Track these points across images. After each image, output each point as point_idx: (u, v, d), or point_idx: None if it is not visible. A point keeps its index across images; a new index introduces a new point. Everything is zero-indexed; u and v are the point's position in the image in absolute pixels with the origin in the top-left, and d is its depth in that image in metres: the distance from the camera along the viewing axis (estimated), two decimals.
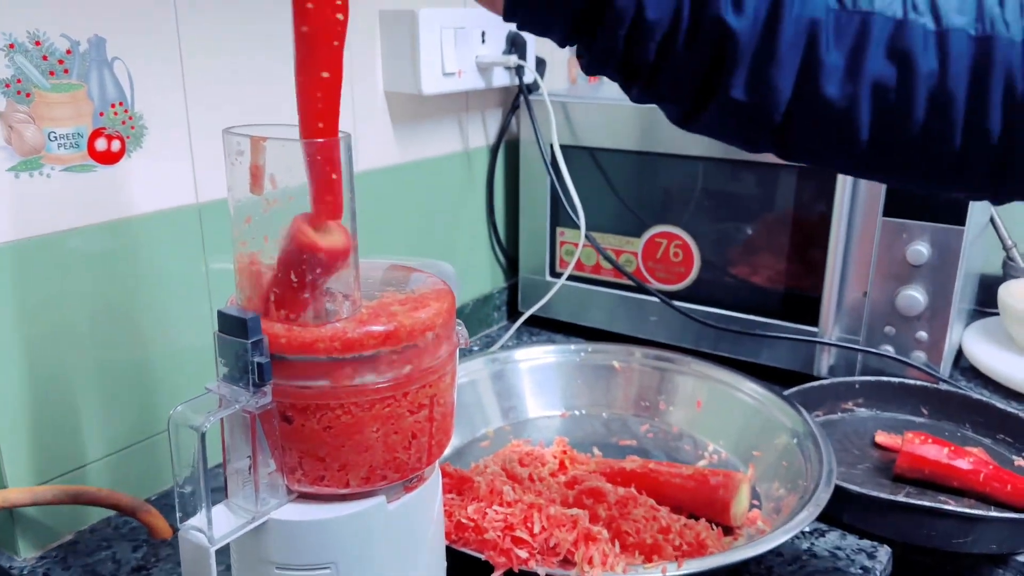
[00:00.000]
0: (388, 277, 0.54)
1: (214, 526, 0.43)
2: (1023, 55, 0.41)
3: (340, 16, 0.44)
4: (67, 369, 0.67)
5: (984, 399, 0.86)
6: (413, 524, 0.51)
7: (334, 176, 0.44)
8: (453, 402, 0.53)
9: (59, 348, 0.66)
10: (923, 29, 0.42)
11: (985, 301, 1.12)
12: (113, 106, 0.66)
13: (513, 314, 1.17)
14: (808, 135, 0.45)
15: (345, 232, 0.45)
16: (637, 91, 0.46)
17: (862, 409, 0.90)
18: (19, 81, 0.60)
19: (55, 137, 0.63)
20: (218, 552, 0.43)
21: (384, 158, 0.94)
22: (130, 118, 0.68)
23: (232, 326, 0.43)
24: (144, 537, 0.70)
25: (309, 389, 0.44)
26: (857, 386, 0.90)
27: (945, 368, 0.90)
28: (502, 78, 1.01)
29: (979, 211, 0.95)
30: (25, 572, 0.66)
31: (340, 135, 0.45)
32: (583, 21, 0.44)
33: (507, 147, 1.12)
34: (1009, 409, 0.84)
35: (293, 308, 0.45)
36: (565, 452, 0.79)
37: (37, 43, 0.61)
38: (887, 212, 0.87)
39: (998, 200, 0.47)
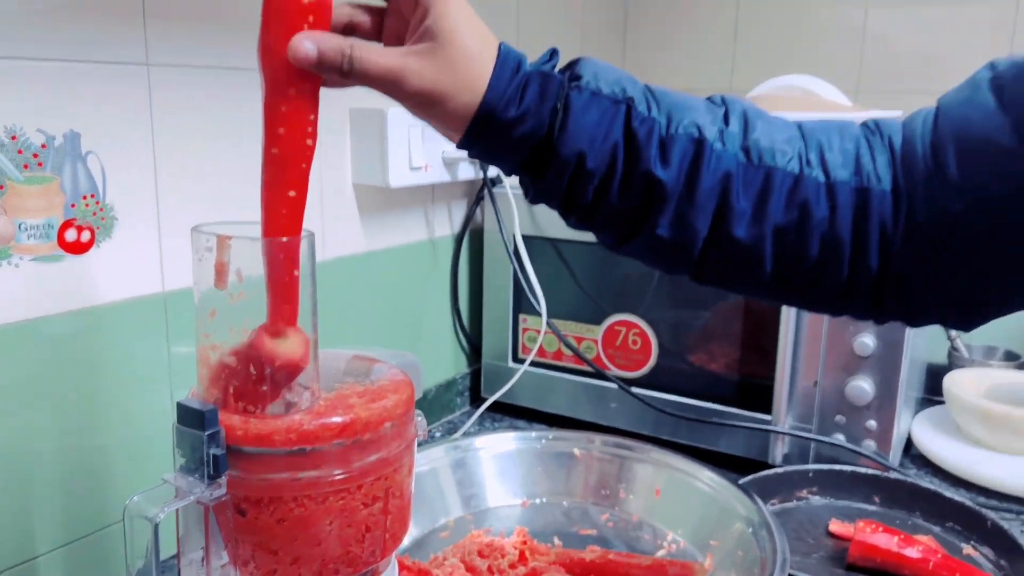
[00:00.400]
0: (350, 367, 0.56)
1: None
2: (892, 203, 0.48)
3: (309, 142, 0.47)
4: (26, 456, 0.66)
5: (933, 488, 0.88)
6: None
7: (288, 279, 0.46)
8: (410, 494, 0.54)
9: (19, 434, 0.66)
10: (816, 182, 0.48)
11: (933, 389, 1.16)
12: (85, 198, 0.68)
13: (476, 400, 1.18)
14: (720, 267, 0.51)
15: (303, 339, 0.47)
16: (574, 221, 0.51)
17: (816, 497, 0.91)
18: None
19: (25, 228, 0.64)
20: None
21: (351, 247, 0.96)
22: (101, 209, 0.69)
23: (190, 418, 0.44)
24: None
25: (264, 481, 0.45)
26: (811, 474, 0.91)
27: (895, 456, 0.93)
28: (467, 171, 1.05)
29: None
30: None
31: (303, 234, 0.47)
32: (530, 164, 0.49)
33: (471, 236, 1.15)
34: (957, 498, 0.86)
35: (251, 401, 0.46)
36: (525, 543, 0.79)
37: (13, 137, 0.63)
38: None
39: (879, 321, 0.53)
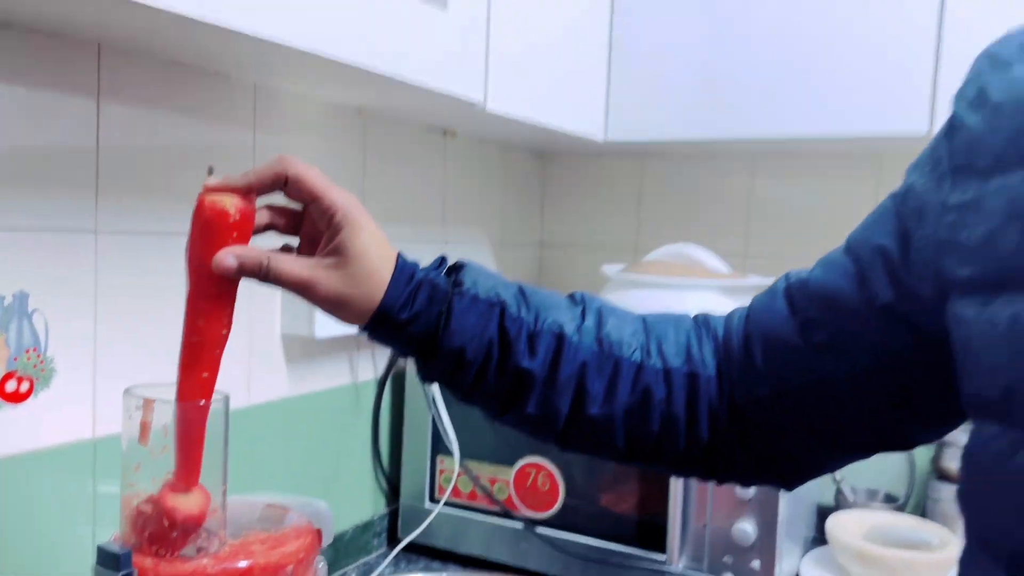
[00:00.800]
0: (264, 515, 0.62)
1: None
2: (716, 386, 0.59)
3: (224, 331, 0.56)
4: None
5: None
6: None
7: (193, 441, 0.54)
8: None
9: None
10: (654, 368, 0.58)
11: (821, 529, 1.24)
12: (27, 351, 0.75)
13: (393, 541, 1.22)
14: (580, 439, 0.60)
15: (204, 497, 0.54)
16: (459, 398, 0.61)
17: None
18: None
19: None
20: None
21: (276, 392, 1.03)
22: (41, 361, 0.76)
23: (107, 559, 0.50)
24: None
25: None
26: None
27: None
28: None
29: None
30: None
31: (217, 398, 0.55)
32: (420, 353, 0.58)
33: (394, 379, 1.23)
34: None
35: (164, 545, 0.52)
36: None
37: None
38: None
39: (718, 482, 0.63)
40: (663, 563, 1.02)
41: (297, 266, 0.55)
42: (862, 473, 1.30)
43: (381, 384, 1.21)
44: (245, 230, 0.55)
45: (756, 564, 0.98)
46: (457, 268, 0.60)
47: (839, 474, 1.26)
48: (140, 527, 0.53)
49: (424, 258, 0.61)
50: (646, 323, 0.61)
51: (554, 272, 1.61)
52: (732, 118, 1.18)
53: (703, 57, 1.18)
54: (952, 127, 0.48)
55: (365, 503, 1.20)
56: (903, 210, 0.51)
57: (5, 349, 0.73)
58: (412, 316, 0.56)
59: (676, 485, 0.99)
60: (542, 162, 1.60)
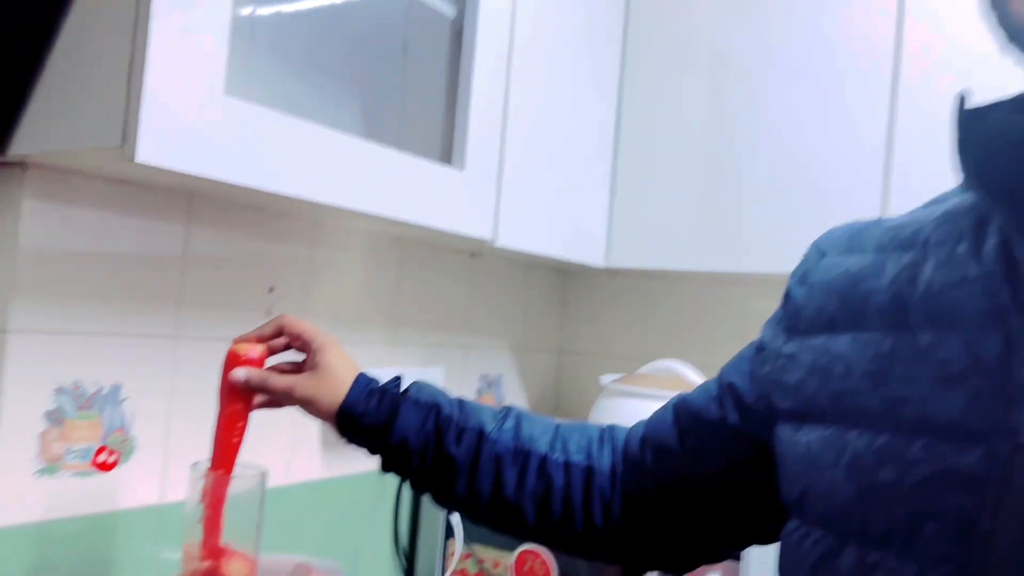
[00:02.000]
0: (292, 571, 0.80)
1: None
2: (609, 480, 0.74)
3: (236, 440, 0.77)
4: None
5: None
6: None
7: (215, 512, 0.73)
8: None
9: None
10: (557, 461, 0.74)
11: None
12: (116, 431, 0.95)
13: None
14: (501, 520, 0.76)
15: (252, 565, 0.73)
16: (410, 485, 0.78)
17: None
18: (57, 412, 0.89)
19: (71, 452, 0.91)
20: None
21: (312, 474, 1.22)
22: (126, 440, 0.96)
23: None
24: None
25: None
26: None
27: None
28: None
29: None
30: None
31: (256, 472, 0.74)
32: (377, 444, 0.76)
33: None
34: None
35: None
36: None
37: (76, 387, 0.91)
38: None
39: (624, 567, 0.79)
40: None
41: (283, 378, 0.77)
42: None
43: None
44: (256, 365, 0.78)
45: None
46: (411, 384, 0.78)
47: None
48: None
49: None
50: (558, 427, 0.77)
51: (571, 376, 1.78)
52: (728, 252, 1.35)
53: (701, 195, 1.37)
54: (787, 296, 0.65)
55: None
56: (755, 356, 0.67)
57: (100, 428, 0.94)
58: (364, 412, 0.75)
59: None
60: (562, 277, 1.80)
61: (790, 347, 0.61)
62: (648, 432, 0.75)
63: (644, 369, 1.36)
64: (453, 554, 1.33)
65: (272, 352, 0.80)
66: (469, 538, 1.30)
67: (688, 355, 1.45)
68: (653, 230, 1.42)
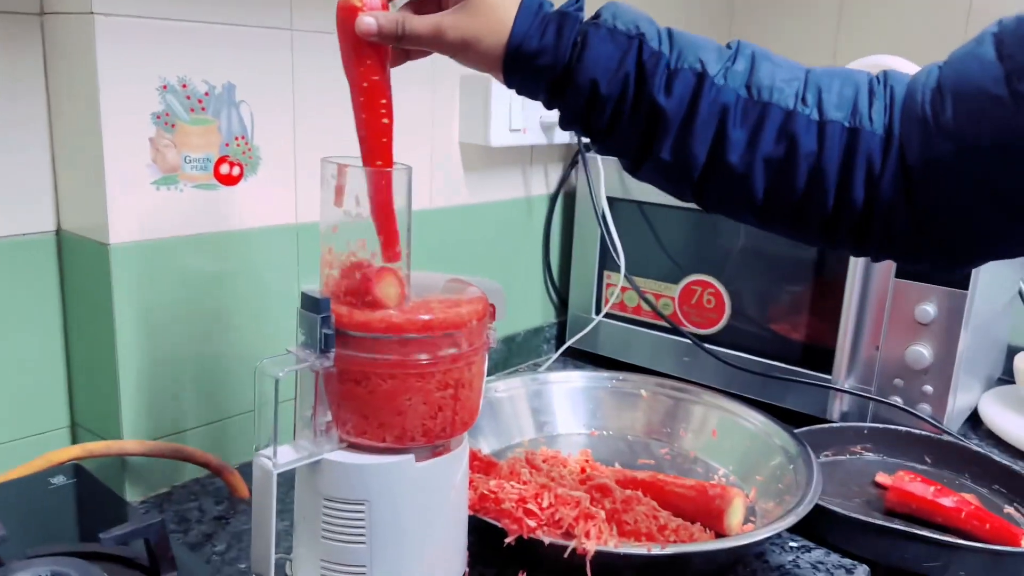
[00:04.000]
0: (447, 286, 0.68)
1: (279, 455, 0.56)
2: (881, 145, 0.54)
3: (386, 121, 0.59)
4: (178, 353, 0.82)
5: (982, 451, 0.92)
6: (437, 483, 0.63)
7: (386, 207, 0.59)
8: (479, 390, 0.65)
9: (175, 333, 0.81)
10: (807, 119, 0.55)
11: (1011, 371, 1.17)
12: (237, 139, 0.83)
13: (562, 347, 1.28)
14: (718, 192, 0.58)
15: (402, 287, 0.59)
16: (598, 147, 0.60)
17: (869, 454, 0.97)
18: (167, 115, 0.77)
19: (189, 160, 0.79)
20: (285, 483, 0.56)
21: (455, 198, 1.08)
22: (249, 149, 0.84)
23: (309, 304, 0.57)
24: (226, 495, 0.84)
25: (360, 359, 0.57)
26: (865, 431, 0.97)
27: (951, 421, 0.97)
28: (563, 136, 1.15)
29: (998, 281, 1.02)
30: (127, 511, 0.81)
31: (399, 167, 0.59)
32: (556, 90, 0.58)
33: (564, 197, 1.25)
34: (1004, 462, 0.90)
35: (356, 296, 0.59)
36: (588, 461, 0.89)
37: (184, 86, 0.78)
38: (899, 274, 0.95)
39: (873, 258, 0.59)
40: (829, 381, 1.01)
41: (428, 19, 0.57)
42: None
43: (552, 200, 1.24)
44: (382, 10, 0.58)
45: (928, 388, 0.96)
46: (602, 7, 0.58)
47: None
48: (339, 280, 0.60)
49: None
50: (809, 74, 0.57)
51: None
52: None
53: None
54: None
55: (536, 312, 1.27)
56: None
57: (218, 135, 0.81)
58: (541, 47, 0.56)
59: (850, 302, 0.97)
60: None
61: None
62: (947, 76, 0.53)
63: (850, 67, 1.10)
64: (609, 286, 1.21)
65: None
66: (628, 269, 1.17)
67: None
68: None
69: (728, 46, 0.58)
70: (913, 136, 0.53)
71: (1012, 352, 1.20)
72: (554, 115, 1.12)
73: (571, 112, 0.58)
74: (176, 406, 0.83)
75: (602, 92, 0.56)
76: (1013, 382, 1.15)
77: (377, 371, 0.58)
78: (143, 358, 0.79)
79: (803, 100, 0.55)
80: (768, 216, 0.58)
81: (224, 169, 0.82)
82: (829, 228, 0.57)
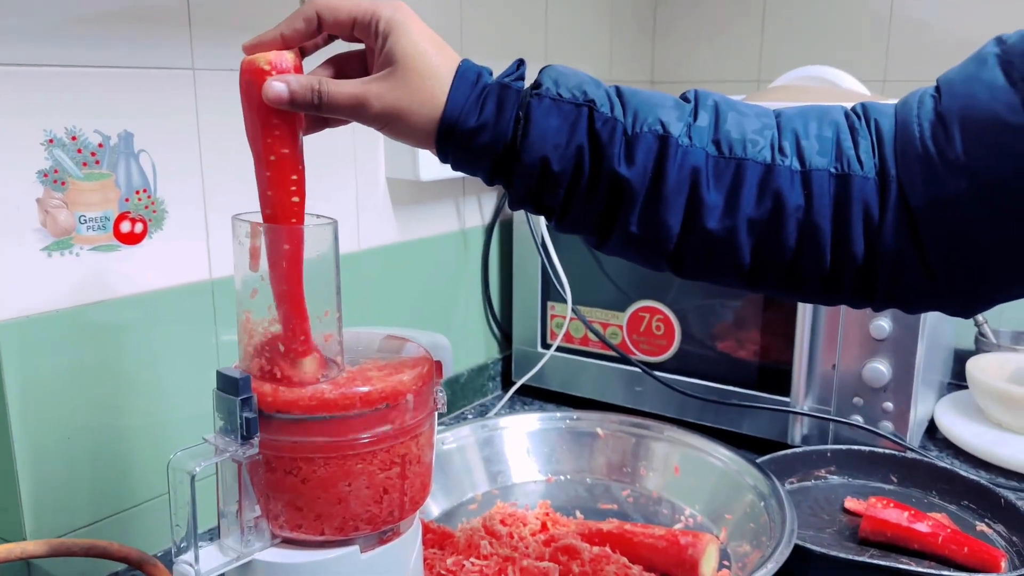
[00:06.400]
0: (383, 345, 0.61)
1: (202, 562, 0.48)
2: (876, 189, 0.48)
3: (296, 200, 0.52)
4: (84, 433, 0.73)
5: (949, 468, 0.90)
6: (387, 574, 0.56)
7: (293, 274, 0.52)
8: (430, 461, 0.58)
9: (78, 413, 0.72)
10: (789, 170, 0.49)
11: (960, 375, 1.17)
12: (138, 192, 0.74)
13: (508, 384, 1.22)
14: (699, 261, 0.52)
15: (320, 363, 0.52)
16: (554, 224, 0.54)
17: (834, 476, 0.94)
18: (56, 171, 0.69)
19: (85, 220, 0.71)
20: None
21: (384, 237, 1.02)
22: (152, 203, 0.76)
23: (226, 384, 0.49)
24: None
25: (289, 444, 0.50)
26: (829, 454, 0.94)
27: (912, 437, 0.94)
28: None
29: None
30: None
31: (326, 222, 0.53)
32: (500, 170, 0.52)
33: (501, 227, 1.19)
34: (972, 477, 0.88)
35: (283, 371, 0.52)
36: (548, 514, 0.83)
37: (73, 138, 0.70)
38: None
39: (876, 308, 0.53)
40: (786, 404, 0.98)
41: (350, 85, 0.50)
42: (1006, 313, 1.21)
43: (489, 231, 1.18)
44: (283, 71, 0.51)
45: (888, 405, 0.93)
46: (541, 72, 0.52)
47: (982, 315, 1.17)
48: (261, 356, 0.53)
49: None
50: (780, 118, 0.51)
51: None
52: None
53: None
54: None
55: (479, 348, 1.20)
56: None
57: (116, 190, 0.73)
58: (480, 124, 0.50)
59: (803, 322, 0.93)
60: None
61: None
62: (949, 105, 0.48)
63: (783, 80, 1.08)
64: (554, 318, 1.15)
65: (307, 54, 0.55)
66: (573, 299, 1.12)
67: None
68: None
69: (685, 98, 0.53)
70: (915, 175, 0.48)
71: (959, 356, 1.19)
72: None
73: (520, 193, 0.52)
74: (85, 496, 0.74)
75: (554, 170, 0.50)
76: (964, 387, 1.14)
77: (310, 456, 0.51)
78: (43, 446, 0.70)
79: (780, 150, 0.50)
80: (758, 279, 0.52)
81: (125, 227, 0.74)
82: (829, 286, 0.51)
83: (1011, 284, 0.50)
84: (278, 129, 0.51)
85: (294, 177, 0.52)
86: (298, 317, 0.52)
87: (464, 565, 0.65)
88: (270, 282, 0.52)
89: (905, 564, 0.74)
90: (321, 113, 0.51)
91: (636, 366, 1.07)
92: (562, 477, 0.95)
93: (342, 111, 0.51)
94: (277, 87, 0.50)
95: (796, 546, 0.72)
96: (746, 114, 0.52)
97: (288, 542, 0.52)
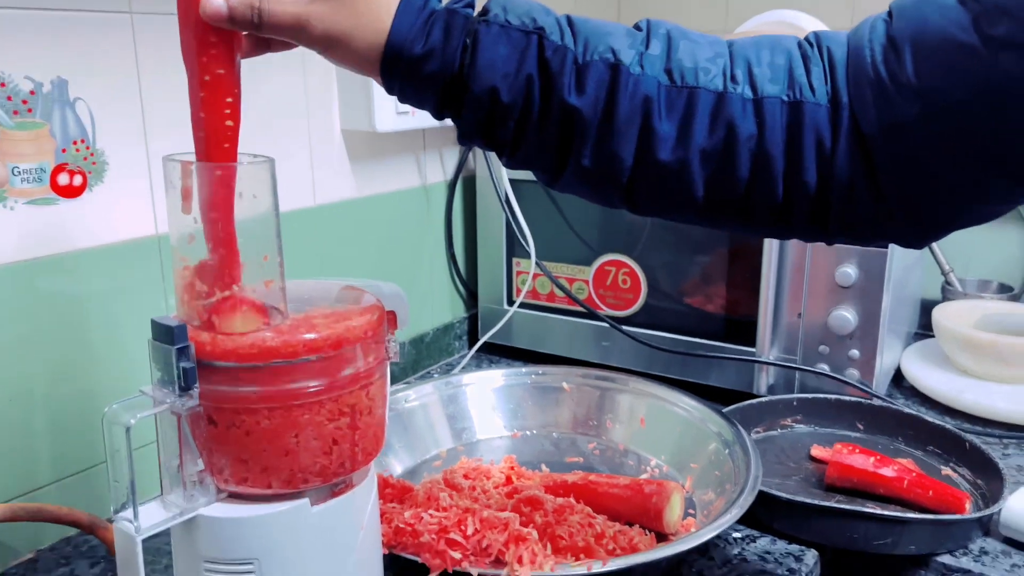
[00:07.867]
0: (338, 296, 0.59)
1: (142, 518, 0.46)
2: (828, 116, 0.47)
3: (230, 123, 0.49)
4: (24, 395, 0.70)
5: (914, 413, 0.90)
6: (340, 528, 0.54)
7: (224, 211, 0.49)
8: (383, 412, 0.56)
9: (17, 374, 0.69)
10: (741, 98, 0.48)
11: (926, 325, 1.16)
12: (75, 143, 0.71)
13: (474, 343, 1.21)
14: (651, 195, 0.51)
15: (257, 318, 0.50)
16: (505, 160, 0.52)
17: (800, 425, 0.93)
18: None
19: (18, 172, 0.67)
20: (164, 547, 0.46)
21: (342, 193, 0.99)
22: (91, 154, 0.72)
23: (161, 333, 0.47)
24: (103, 554, 0.73)
25: (230, 394, 0.48)
26: (795, 403, 0.93)
27: (879, 385, 0.94)
28: None
29: None
30: None
31: (263, 159, 0.50)
32: (449, 101, 0.50)
33: (464, 182, 1.17)
34: (937, 422, 0.88)
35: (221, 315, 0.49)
36: (512, 468, 0.82)
37: (2, 84, 0.66)
38: None
39: (828, 242, 0.52)
40: (752, 354, 0.97)
41: (290, 6, 0.48)
42: (973, 262, 1.21)
43: (451, 187, 1.16)
44: None
45: (855, 353, 0.92)
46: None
47: (948, 264, 1.17)
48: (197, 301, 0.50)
49: None
50: (732, 47, 0.50)
51: None
52: None
53: None
54: None
55: (444, 308, 1.18)
56: None
57: (51, 140, 0.69)
58: (427, 51, 0.48)
59: (768, 271, 0.92)
60: None
61: None
62: (900, 28, 0.46)
63: (747, 26, 1.06)
64: (519, 274, 1.13)
65: None
66: (538, 255, 1.10)
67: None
68: None
69: (637, 27, 0.51)
70: (867, 101, 0.46)
71: (925, 306, 1.19)
72: None
73: (469, 125, 0.50)
74: (31, 458, 0.71)
75: (504, 101, 0.48)
76: (930, 336, 1.14)
77: (253, 407, 0.48)
78: None
79: (732, 78, 0.48)
80: (711, 213, 0.51)
81: (63, 179, 0.71)
82: (782, 217, 0.50)
83: (962, 211, 0.49)
84: (215, 48, 0.48)
85: (229, 100, 0.49)
86: (231, 260, 0.49)
87: (422, 517, 0.63)
88: (203, 225, 0.49)
89: (871, 509, 0.74)
90: (261, 33, 0.49)
91: (603, 321, 1.05)
92: (528, 432, 0.93)
93: (282, 31, 0.49)
94: (215, 3, 0.47)
95: (761, 493, 0.71)
96: (699, 42, 0.50)
97: (235, 496, 0.50)
